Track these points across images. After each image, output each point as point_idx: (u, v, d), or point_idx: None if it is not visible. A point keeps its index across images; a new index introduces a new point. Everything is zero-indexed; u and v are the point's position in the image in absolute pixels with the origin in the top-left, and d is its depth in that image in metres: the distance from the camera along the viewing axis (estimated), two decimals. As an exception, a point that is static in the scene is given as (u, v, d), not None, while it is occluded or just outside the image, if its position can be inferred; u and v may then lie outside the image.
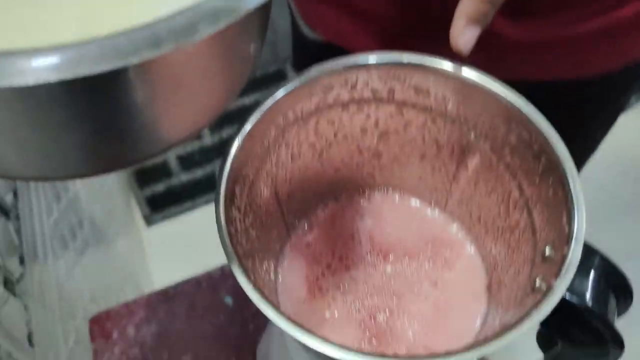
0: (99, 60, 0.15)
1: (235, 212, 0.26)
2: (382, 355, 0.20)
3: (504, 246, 0.30)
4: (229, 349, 0.54)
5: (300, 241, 0.35)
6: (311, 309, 0.31)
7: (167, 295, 0.59)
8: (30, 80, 0.15)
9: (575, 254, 0.22)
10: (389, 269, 0.33)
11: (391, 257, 0.34)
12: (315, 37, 0.51)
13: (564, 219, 0.23)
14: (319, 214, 0.36)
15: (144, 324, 0.57)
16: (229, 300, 0.57)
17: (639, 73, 0.55)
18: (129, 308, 0.58)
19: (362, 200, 0.36)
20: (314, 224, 0.35)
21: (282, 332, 0.36)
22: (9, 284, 0.60)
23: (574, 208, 0.23)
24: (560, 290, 0.21)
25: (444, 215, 0.35)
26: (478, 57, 0.44)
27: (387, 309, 0.31)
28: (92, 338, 0.57)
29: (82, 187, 0.83)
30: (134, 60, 0.15)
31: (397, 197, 0.36)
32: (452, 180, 0.33)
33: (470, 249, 0.34)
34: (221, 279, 0.60)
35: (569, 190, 0.24)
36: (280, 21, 0.75)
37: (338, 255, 0.34)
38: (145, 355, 0.55)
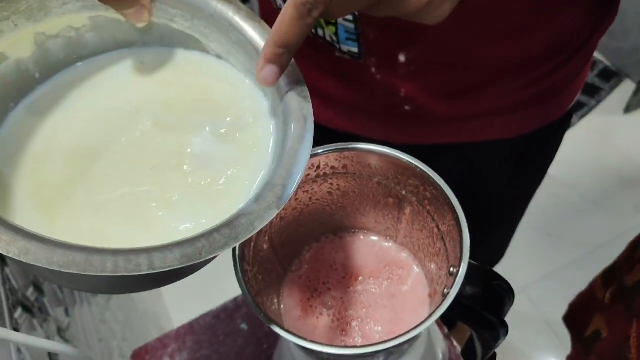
0: (213, 249, 0.23)
1: (246, 266, 0.38)
2: (354, 346, 0.33)
3: (435, 266, 0.43)
4: (249, 365, 0.66)
5: (294, 276, 0.48)
6: (305, 323, 0.44)
7: (193, 328, 0.71)
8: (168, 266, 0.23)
9: (461, 273, 0.35)
10: (359, 287, 0.46)
11: (360, 278, 0.47)
12: None
13: (458, 250, 0.36)
14: (305, 254, 0.49)
15: (177, 353, 0.69)
16: (244, 326, 0.70)
17: (562, 127, 0.64)
18: (162, 341, 0.71)
19: (336, 240, 0.50)
20: (302, 262, 0.48)
21: (288, 343, 0.49)
22: (61, 332, 0.72)
23: (463, 244, 0.36)
24: (452, 295, 0.34)
25: (396, 245, 0.48)
26: (415, 129, 0.58)
27: (359, 318, 0.44)
28: (135, 369, 0.69)
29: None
30: (226, 249, 0.23)
31: (361, 235, 0.49)
32: (397, 221, 0.46)
33: (417, 268, 0.47)
34: (235, 309, 0.72)
35: (461, 231, 0.37)
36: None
37: (322, 282, 0.47)
38: (181, 378, 0.67)
